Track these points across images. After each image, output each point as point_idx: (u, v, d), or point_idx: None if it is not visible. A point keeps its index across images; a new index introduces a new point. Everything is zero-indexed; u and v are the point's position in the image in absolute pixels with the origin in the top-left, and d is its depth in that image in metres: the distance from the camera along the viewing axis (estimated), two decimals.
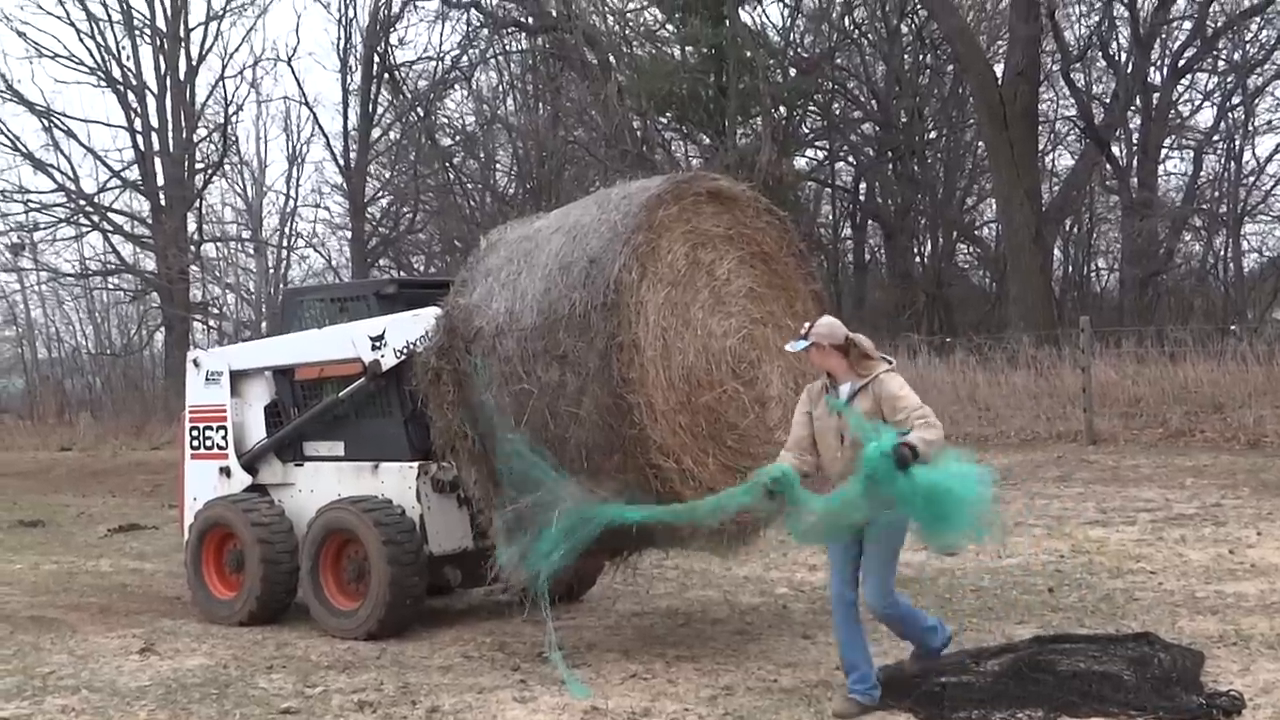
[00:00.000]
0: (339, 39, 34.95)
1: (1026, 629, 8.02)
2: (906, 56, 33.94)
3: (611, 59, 30.64)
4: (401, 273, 34.39)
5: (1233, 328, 20.85)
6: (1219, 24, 28.69)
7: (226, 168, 37.35)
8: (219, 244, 38.65)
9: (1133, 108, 30.10)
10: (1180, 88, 30.99)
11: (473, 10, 33.18)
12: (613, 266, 7.20)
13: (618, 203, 7.62)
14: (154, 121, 35.68)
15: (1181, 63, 29.93)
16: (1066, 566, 10.15)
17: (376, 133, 35.17)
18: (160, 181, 35.75)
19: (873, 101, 34.62)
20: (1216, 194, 31.81)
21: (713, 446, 7.44)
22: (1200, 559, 10.16)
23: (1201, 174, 31.90)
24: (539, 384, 7.38)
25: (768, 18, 34.98)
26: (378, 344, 8.95)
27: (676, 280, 7.51)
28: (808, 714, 6.53)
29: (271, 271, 36.00)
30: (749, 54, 29.14)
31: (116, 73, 35.74)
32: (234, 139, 37.08)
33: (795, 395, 8.00)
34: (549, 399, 7.35)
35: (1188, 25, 29.42)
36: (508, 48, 34.50)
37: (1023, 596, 9.15)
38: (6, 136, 35.47)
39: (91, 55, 35.82)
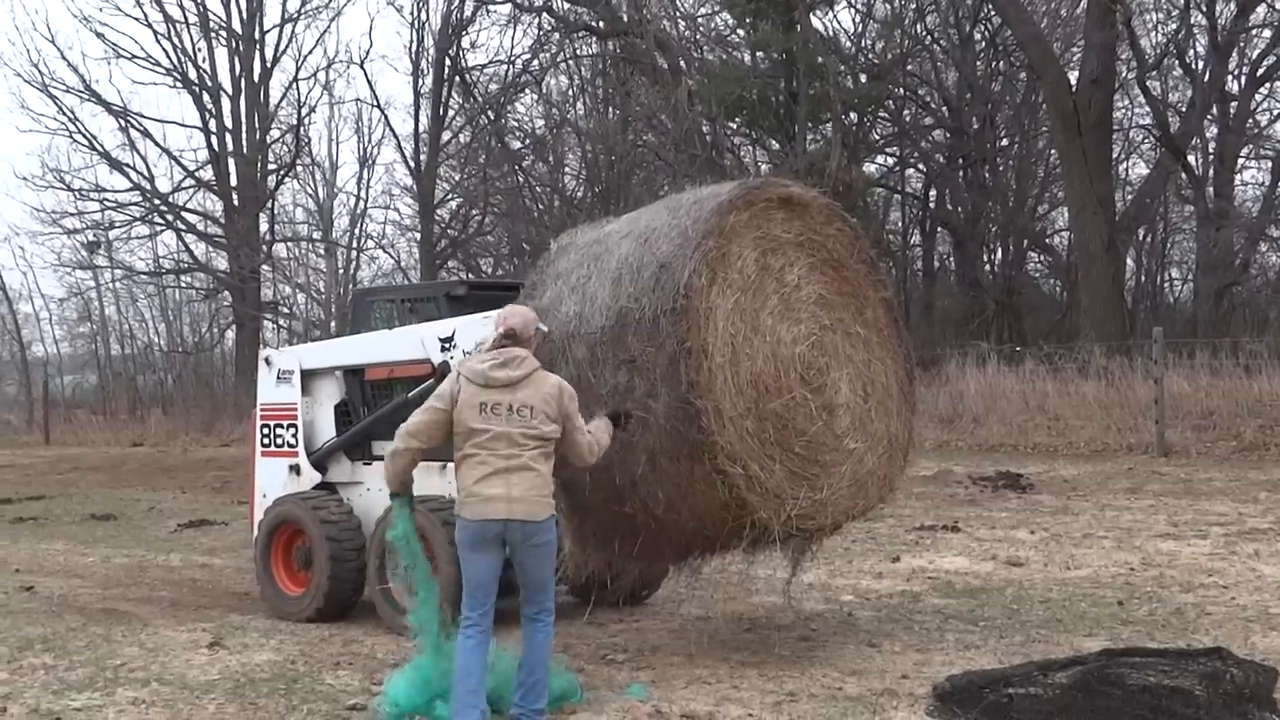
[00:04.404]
0: (411, 42, 35.39)
1: (1095, 641, 7.92)
2: (979, 63, 33.72)
3: (682, 63, 30.67)
4: (470, 275, 34.58)
5: None
6: None
7: (298, 168, 37.88)
8: (290, 244, 39.16)
9: (1209, 116, 29.72)
10: (1259, 96, 30.62)
11: (544, 14, 33.33)
12: (683, 272, 7.18)
13: (689, 208, 7.60)
14: (228, 122, 36.17)
15: (1260, 71, 29.55)
16: (1137, 579, 10.03)
17: (447, 135, 35.45)
18: (233, 181, 36.22)
19: (944, 108, 34.41)
20: None
21: (780, 453, 7.39)
22: (1274, 574, 10.00)
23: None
24: (608, 387, 7.38)
25: (839, 23, 34.99)
26: (447, 345, 8.97)
27: (746, 286, 7.46)
28: None
29: (341, 272, 36.37)
30: (820, 60, 29.05)
31: (192, 74, 36.30)
32: (306, 140, 37.61)
33: (864, 403, 7.95)
34: (617, 402, 7.34)
35: (1267, 33, 29.03)
36: (578, 52, 34.64)
37: (1092, 609, 9.05)
38: (84, 136, 36.15)
39: (168, 56, 36.31)
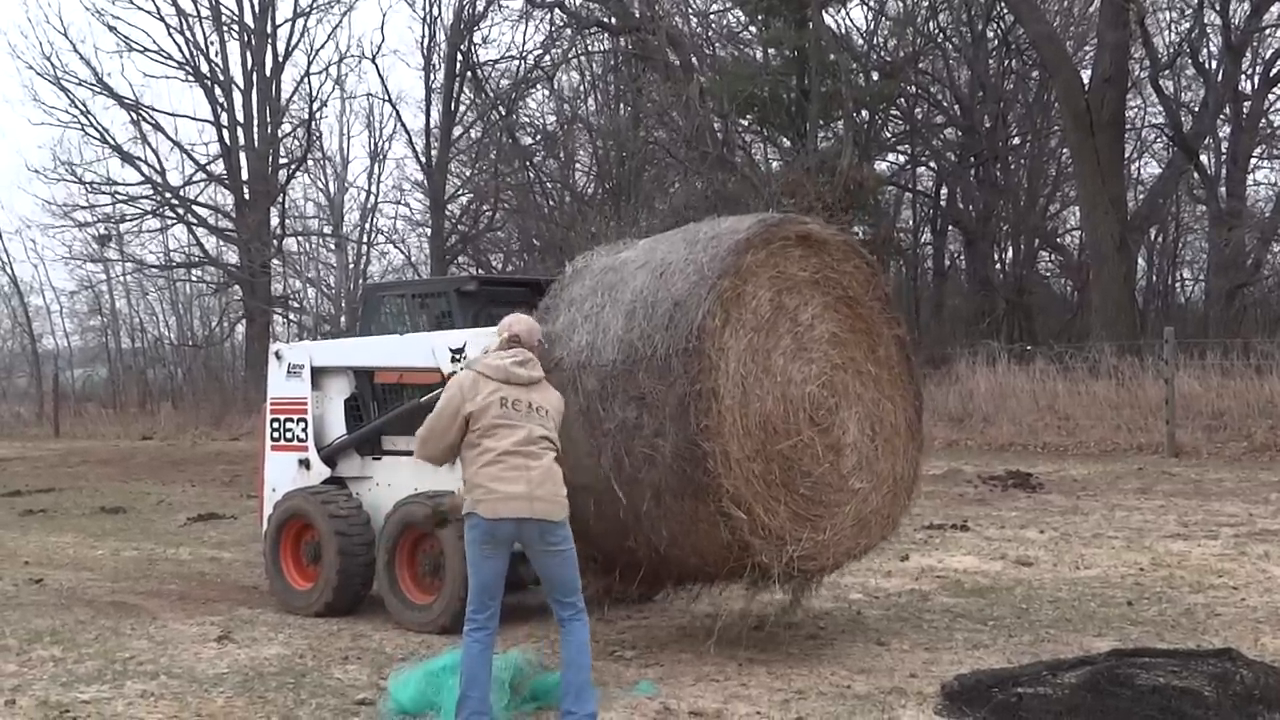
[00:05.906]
0: (423, 37, 35.32)
1: (1105, 642, 7.90)
2: (991, 61, 33.67)
3: (694, 60, 30.64)
4: (481, 270, 34.59)
5: None
6: None
7: (310, 163, 37.88)
8: (301, 238, 39.13)
9: (1222, 116, 29.65)
10: (1272, 96, 30.55)
11: (556, 10, 33.33)
12: (697, 311, 7.14)
13: (705, 243, 7.54)
14: (240, 116, 36.20)
15: (1274, 71, 29.49)
16: (1146, 580, 10.00)
17: (458, 131, 35.44)
18: (244, 176, 36.24)
19: (956, 106, 34.37)
20: None
21: (785, 495, 7.35)
22: None
23: None
24: (616, 421, 7.35)
25: (851, 21, 34.97)
26: (458, 356, 8.93)
27: (759, 326, 7.40)
28: None
29: (351, 266, 36.39)
30: (832, 57, 29.04)
31: (204, 68, 36.31)
32: (317, 135, 37.63)
33: (871, 442, 7.91)
34: (625, 438, 7.29)
35: None
36: (590, 48, 34.66)
37: (1101, 609, 9.03)
38: (96, 129, 36.16)
39: (180, 50, 36.35)
